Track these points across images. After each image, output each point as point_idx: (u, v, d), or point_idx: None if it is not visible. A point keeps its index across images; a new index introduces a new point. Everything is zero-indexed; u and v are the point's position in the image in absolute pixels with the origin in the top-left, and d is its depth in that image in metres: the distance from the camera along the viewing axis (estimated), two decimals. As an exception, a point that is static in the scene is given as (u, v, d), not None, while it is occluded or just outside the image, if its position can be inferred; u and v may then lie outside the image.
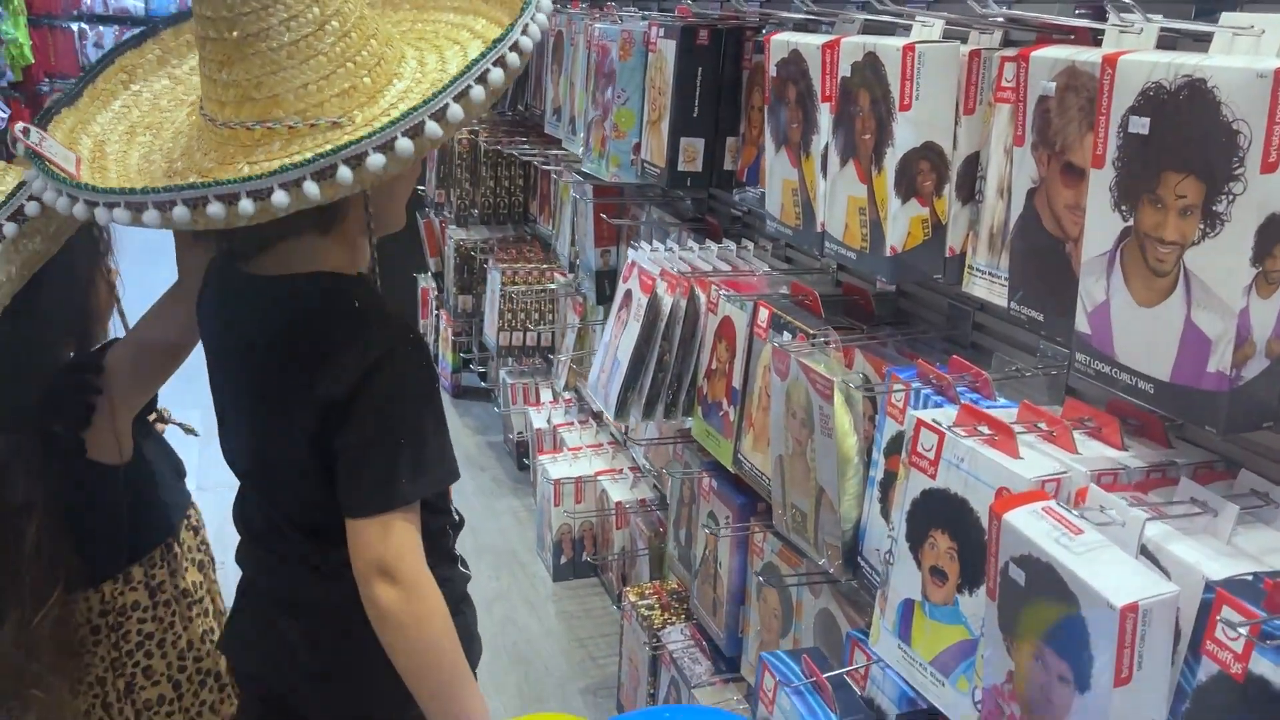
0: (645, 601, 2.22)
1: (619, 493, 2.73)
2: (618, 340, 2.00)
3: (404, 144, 0.99)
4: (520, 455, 3.59)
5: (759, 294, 1.80)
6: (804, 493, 1.52)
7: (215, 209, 0.98)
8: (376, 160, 0.99)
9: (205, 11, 1.02)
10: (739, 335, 1.77)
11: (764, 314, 1.69)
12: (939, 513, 1.15)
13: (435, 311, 4.48)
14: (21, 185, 1.18)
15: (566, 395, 3.27)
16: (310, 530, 1.21)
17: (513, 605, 2.80)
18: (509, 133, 3.64)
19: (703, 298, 1.89)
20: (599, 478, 2.83)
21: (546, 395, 3.47)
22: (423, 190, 4.34)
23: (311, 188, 0.98)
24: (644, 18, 2.23)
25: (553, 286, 3.34)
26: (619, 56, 2.17)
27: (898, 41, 1.33)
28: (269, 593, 1.29)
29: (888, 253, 1.36)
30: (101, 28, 11.65)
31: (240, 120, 1.05)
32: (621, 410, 1.96)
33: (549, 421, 3.23)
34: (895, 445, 1.34)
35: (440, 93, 1.01)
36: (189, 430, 1.57)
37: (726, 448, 1.81)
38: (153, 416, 1.48)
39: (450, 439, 1.19)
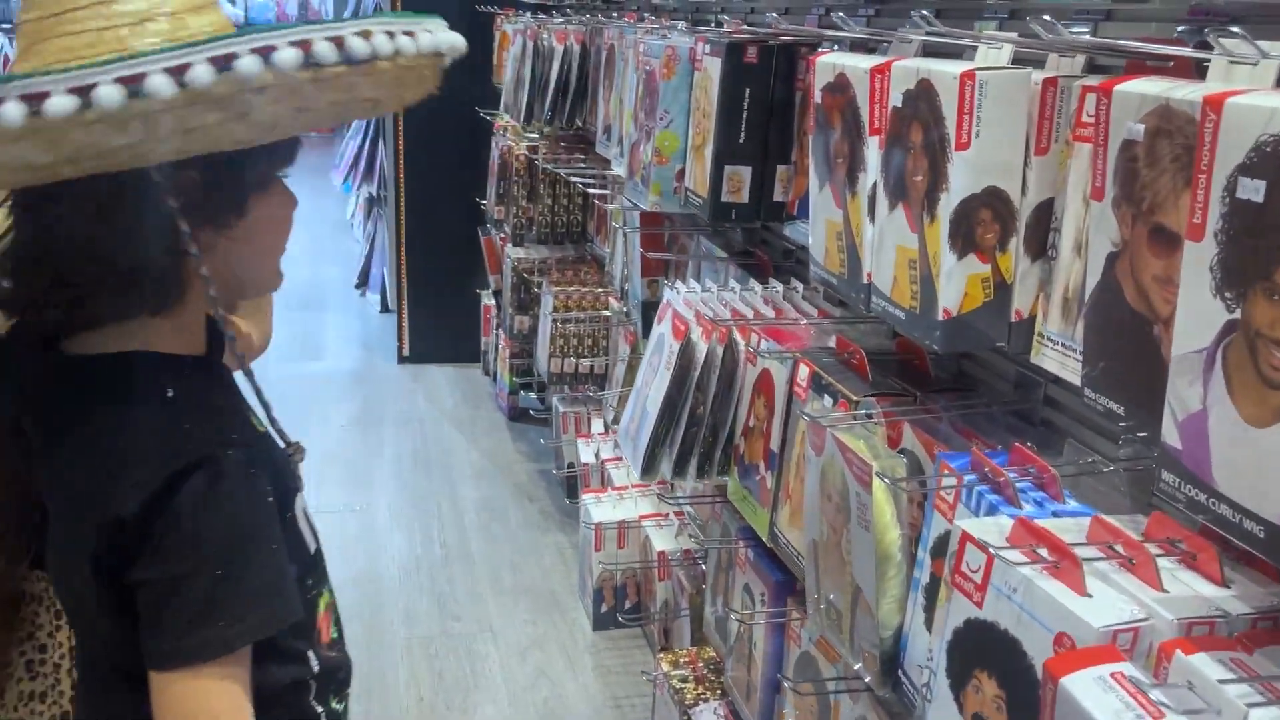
0: (679, 672, 2.03)
1: (662, 541, 2.54)
2: (649, 389, 1.82)
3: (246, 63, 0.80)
4: (570, 487, 3.42)
5: (802, 347, 1.60)
6: (839, 587, 1.31)
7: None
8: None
9: None
10: (778, 392, 1.57)
11: (804, 372, 1.49)
12: (985, 651, 0.94)
13: (495, 330, 4.35)
14: None
15: (615, 427, 3.09)
16: (129, 676, 0.93)
17: (549, 655, 2.63)
18: (567, 149, 3.49)
19: (742, 346, 1.69)
20: (643, 523, 2.64)
21: (598, 426, 3.30)
22: (483, 205, 4.23)
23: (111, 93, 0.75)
24: (694, 32, 2.04)
25: (607, 313, 3.17)
26: (662, 75, 1.99)
27: (956, 67, 1.11)
28: None
29: (940, 315, 1.15)
30: (203, 36, 11.96)
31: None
32: (651, 466, 1.77)
33: (597, 456, 3.05)
34: (942, 547, 1.13)
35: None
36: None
37: (762, 518, 1.61)
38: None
39: (288, 568, 0.94)
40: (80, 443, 0.93)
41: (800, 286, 1.83)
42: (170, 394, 0.93)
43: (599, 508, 2.75)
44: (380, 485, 3.54)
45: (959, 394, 1.38)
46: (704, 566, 2.45)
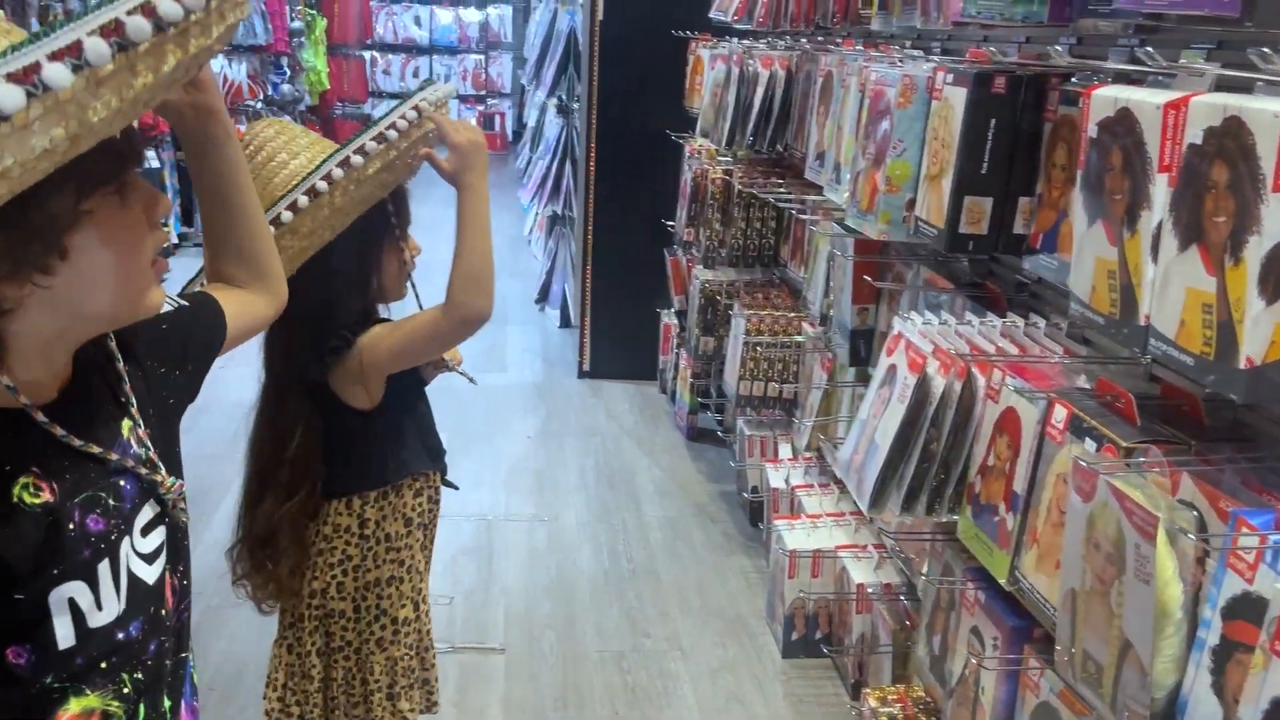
0: (888, 709, 1.99)
1: (861, 573, 2.50)
2: (877, 420, 1.80)
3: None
4: (754, 511, 3.41)
5: (1051, 386, 1.55)
6: (1103, 640, 1.26)
7: None
8: None
9: None
10: (1025, 433, 1.52)
11: (1061, 413, 1.44)
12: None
13: (675, 350, 4.39)
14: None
15: (807, 454, 3.07)
16: None
17: (739, 679, 2.62)
18: (765, 173, 3.49)
19: (981, 382, 1.65)
20: (839, 553, 2.61)
21: (785, 451, 3.28)
22: (671, 227, 4.28)
23: None
24: (929, 60, 2.01)
25: (800, 339, 3.16)
26: (897, 103, 1.97)
27: (1273, 104, 1.06)
28: None
29: (1242, 364, 1.09)
30: (390, 55, 12.57)
31: None
32: (878, 501, 1.74)
33: (787, 482, 3.04)
34: (1241, 609, 1.07)
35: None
36: (470, 379, 1.87)
37: (1001, 560, 1.56)
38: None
39: None
40: None
41: (1041, 322, 1.78)
42: None
43: (792, 535, 2.73)
44: (566, 497, 3.61)
45: (1242, 444, 1.30)
46: (905, 601, 2.40)
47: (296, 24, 8.52)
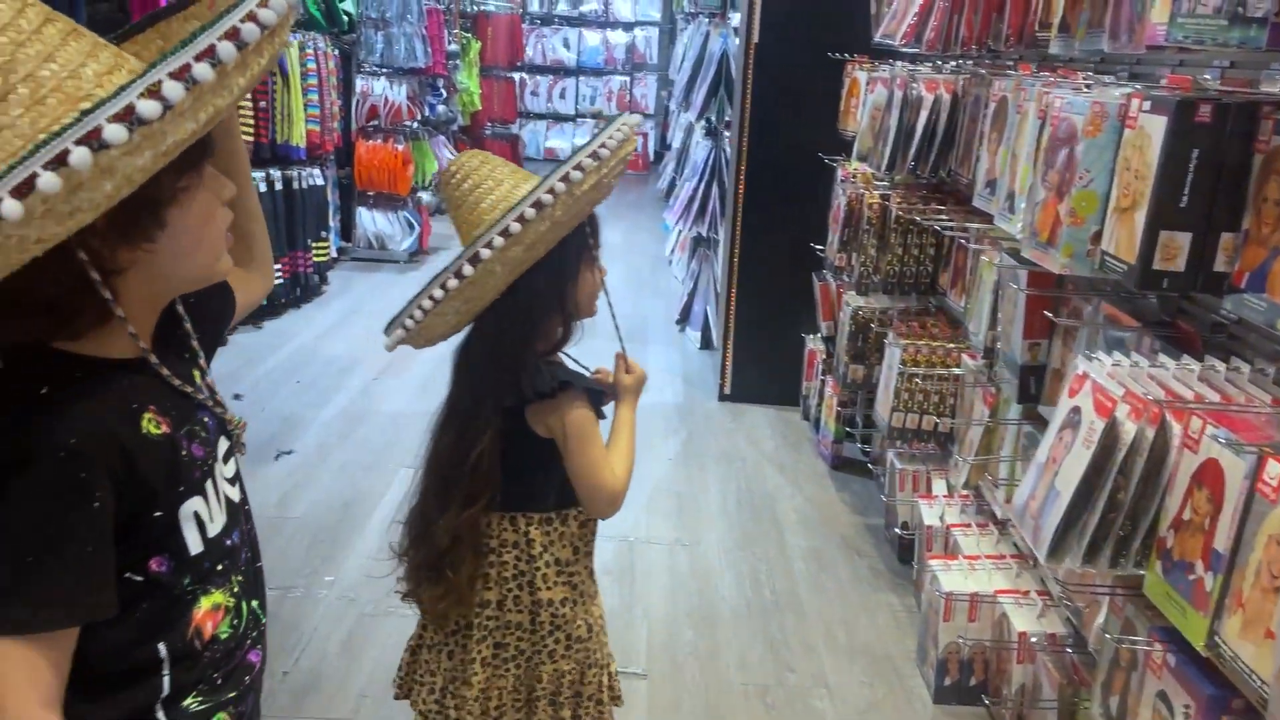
0: (1055, 770, 1.87)
1: (1023, 621, 2.38)
2: (1058, 465, 1.70)
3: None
4: (903, 547, 3.31)
5: (1262, 438, 1.43)
6: (1328, 722, 1.15)
7: None
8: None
9: None
10: (1230, 487, 1.41)
11: (1276, 469, 1.33)
12: None
13: (821, 376, 4.32)
14: None
15: (964, 492, 2.96)
16: None
17: (886, 721, 2.54)
18: (924, 199, 3.40)
19: (1177, 430, 1.54)
20: (999, 598, 2.49)
21: (940, 487, 3.17)
22: (821, 251, 4.21)
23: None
24: (1121, 86, 1.91)
25: (959, 371, 3.04)
26: (1085, 131, 1.87)
27: None
28: None
29: None
30: (538, 77, 12.88)
31: None
32: (1057, 550, 1.65)
33: (941, 519, 2.93)
34: None
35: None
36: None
37: (1197, 623, 1.45)
38: None
39: (92, 573, 0.99)
40: None
41: (1244, 367, 1.66)
42: (44, 391, 1.01)
43: (948, 576, 2.63)
44: (707, 522, 3.58)
45: None
46: (1072, 654, 2.27)
47: (453, 47, 8.80)
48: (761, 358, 4.76)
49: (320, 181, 6.18)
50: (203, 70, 0.90)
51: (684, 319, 5.98)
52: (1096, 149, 1.86)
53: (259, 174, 5.51)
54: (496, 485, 1.66)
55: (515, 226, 1.49)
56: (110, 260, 1.01)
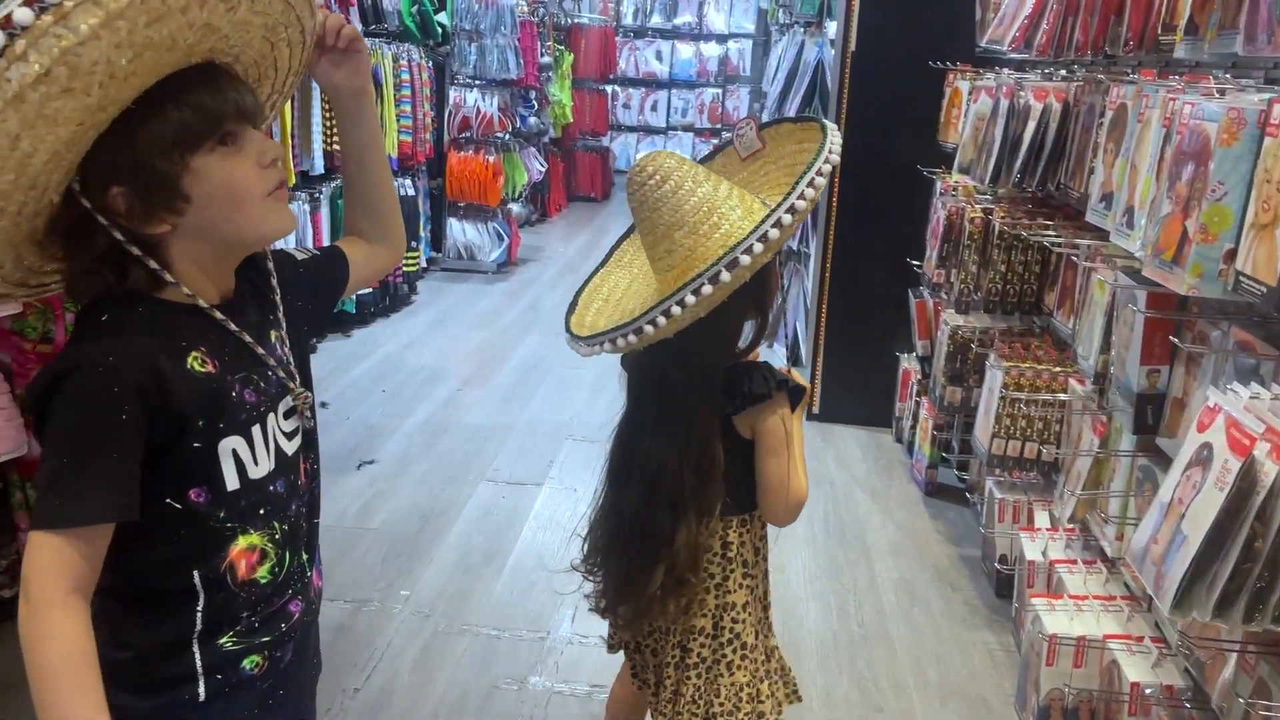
0: (1174, 842, 1.70)
1: (1136, 670, 2.20)
2: (1184, 507, 1.54)
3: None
4: (1000, 582, 3.12)
5: None
6: None
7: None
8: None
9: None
10: (1393, 541, 1.24)
11: None
12: None
13: (916, 397, 4.14)
14: None
15: (1070, 526, 2.77)
16: None
17: (980, 771, 2.37)
18: (1030, 214, 3.22)
19: (1326, 472, 1.37)
20: (1109, 643, 2.31)
21: (1042, 519, 2.97)
22: (918, 267, 4.05)
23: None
24: (1263, 91, 1.74)
25: (1065, 397, 2.86)
26: (1220, 140, 1.71)
27: None
28: None
29: None
30: (630, 89, 12.88)
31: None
32: (1183, 601, 1.49)
33: (1044, 554, 2.74)
34: None
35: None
36: None
37: (1350, 693, 1.28)
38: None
39: (119, 478, 1.09)
40: None
41: (1404, 404, 1.47)
42: (105, 318, 1.14)
43: (1052, 617, 2.44)
44: (793, 547, 3.45)
45: None
46: (1191, 709, 2.08)
47: (545, 59, 8.84)
48: (853, 376, 4.60)
49: (411, 192, 6.23)
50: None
51: (771, 334, 5.83)
52: (1231, 159, 1.69)
53: (352, 184, 5.57)
54: (722, 492, 1.65)
55: (757, 247, 1.43)
56: (142, 234, 1.13)
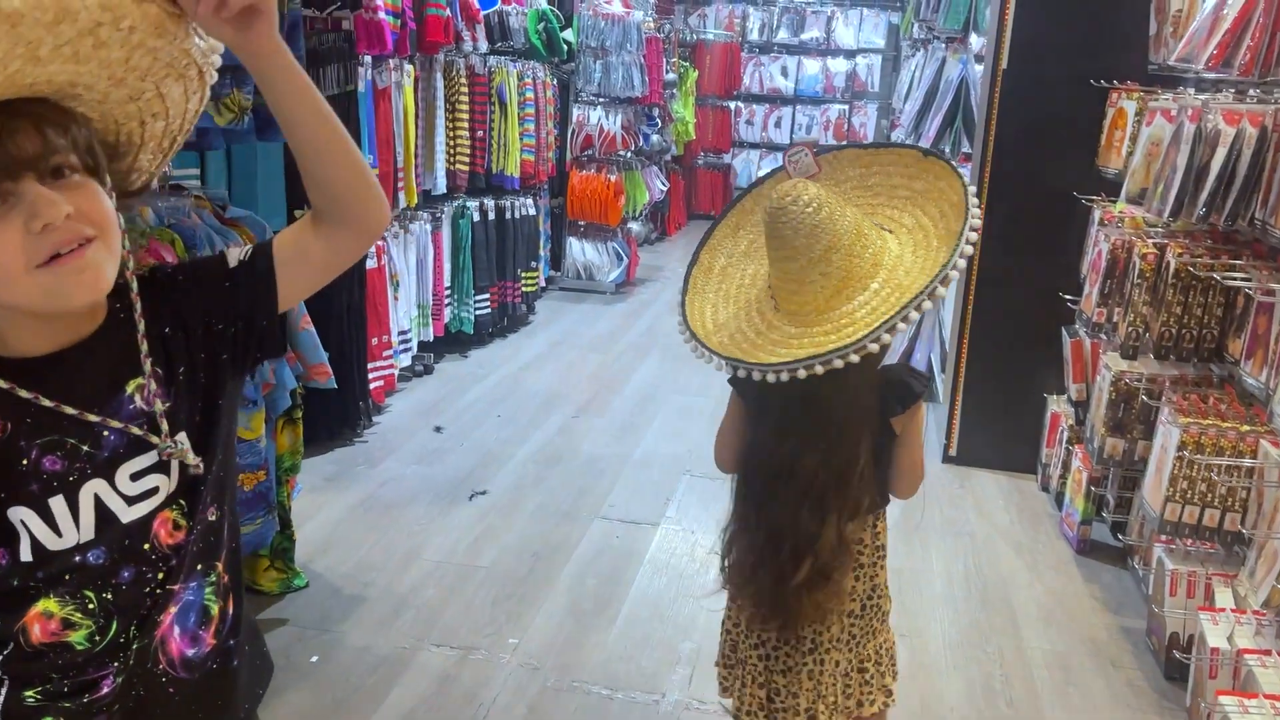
0: None
1: (1358, 799, 1.87)
2: None
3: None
4: (1170, 663, 2.78)
5: None
6: None
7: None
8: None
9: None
10: None
11: None
12: None
13: (1067, 445, 3.80)
14: None
15: (1261, 610, 2.42)
16: None
17: None
18: (1212, 250, 2.88)
19: None
20: (1319, 760, 1.98)
21: (1224, 598, 2.63)
22: (1074, 303, 3.71)
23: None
24: None
25: (1255, 462, 2.52)
26: None
27: None
28: None
29: None
30: (754, 105, 12.65)
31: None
32: None
33: (1230, 641, 2.41)
34: None
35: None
36: None
37: None
38: None
39: None
40: None
41: None
42: None
43: (1246, 720, 2.12)
44: (931, 608, 3.16)
45: None
46: None
47: (670, 76, 8.70)
48: (995, 417, 4.27)
49: (533, 211, 6.15)
50: None
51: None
52: None
53: (474, 203, 5.51)
54: (868, 491, 1.77)
55: (940, 290, 1.57)
56: None
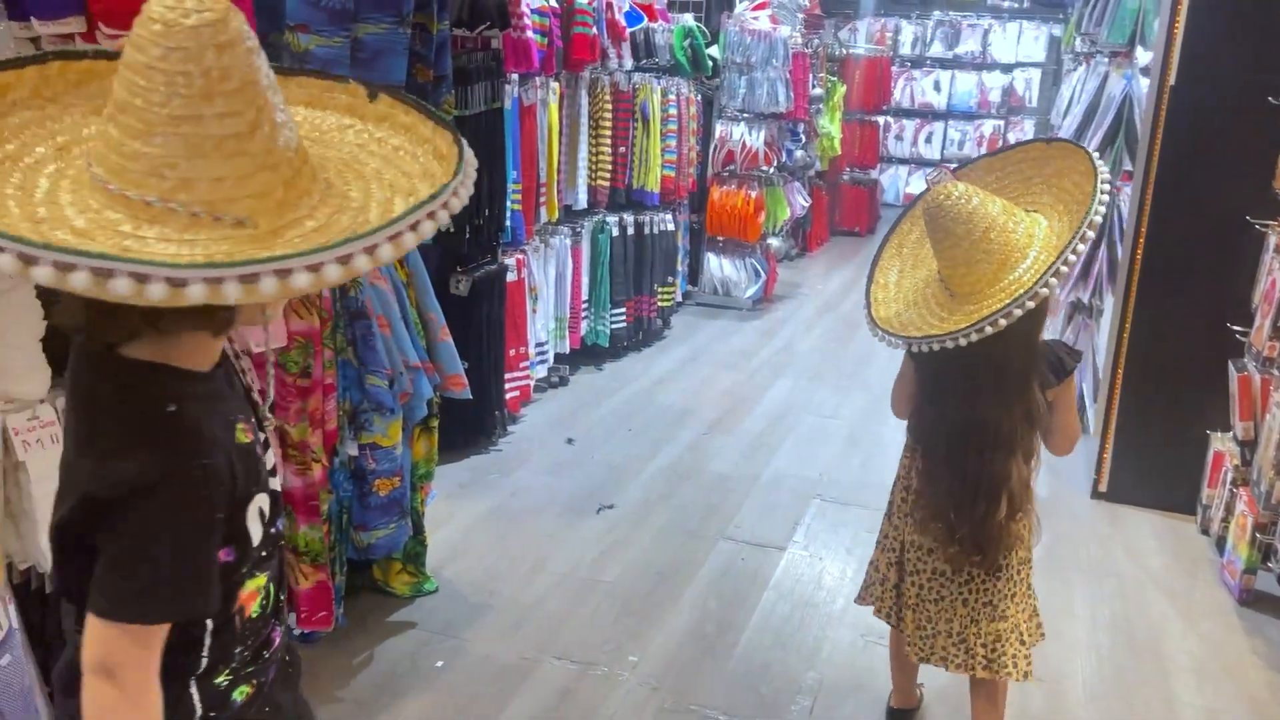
0: None
1: None
2: None
3: (303, 278, 0.96)
4: (1344, 732, 2.54)
5: None
6: None
7: (121, 284, 0.91)
8: (269, 283, 0.94)
9: (139, 80, 0.99)
10: None
11: None
12: None
13: (1231, 486, 3.54)
14: None
15: None
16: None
17: None
18: (1404, 282, 2.63)
19: None
20: None
21: None
22: (1243, 335, 3.46)
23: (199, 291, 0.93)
24: None
25: None
26: None
27: None
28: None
29: None
30: (904, 120, 12.37)
31: (140, 193, 1.00)
32: None
33: None
34: None
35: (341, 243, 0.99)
36: None
37: None
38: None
39: (211, 573, 1.14)
40: (91, 431, 1.13)
41: None
42: (171, 409, 1.11)
43: None
44: (1071, 654, 2.99)
45: None
46: None
47: (817, 91, 8.59)
48: (1150, 452, 4.02)
49: (671, 227, 6.16)
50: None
51: (1052, 394, 5.27)
52: None
53: (613, 218, 5.57)
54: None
55: (1088, 234, 1.89)
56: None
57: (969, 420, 2.05)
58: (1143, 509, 4.01)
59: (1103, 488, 4.11)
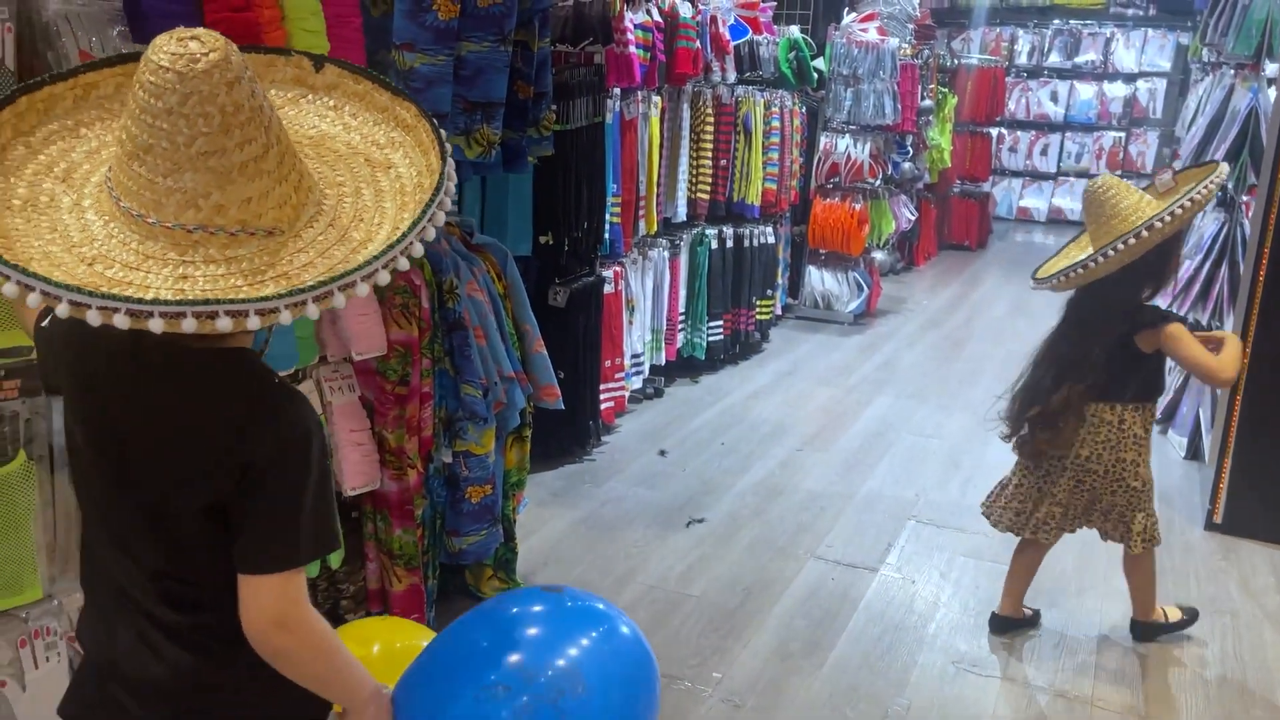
0: None
1: None
2: None
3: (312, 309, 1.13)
4: None
5: None
6: None
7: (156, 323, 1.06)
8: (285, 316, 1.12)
9: (161, 124, 1.10)
10: None
11: None
12: None
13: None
14: None
15: None
16: (175, 597, 1.29)
17: None
18: None
19: None
20: None
21: None
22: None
23: (254, 320, 1.09)
24: None
25: None
26: None
27: None
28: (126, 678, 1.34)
29: None
30: (1019, 132, 12.05)
31: (180, 223, 1.13)
32: None
33: None
34: None
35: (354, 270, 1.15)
36: None
37: None
38: None
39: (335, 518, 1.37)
40: (214, 415, 1.24)
41: None
42: (277, 380, 1.28)
43: None
44: (1176, 694, 2.86)
45: None
46: None
47: (926, 103, 8.44)
48: (1271, 482, 3.82)
49: (771, 240, 6.13)
50: None
51: (1167, 418, 5.05)
52: None
53: (713, 231, 5.57)
54: (1100, 375, 2.76)
55: (1157, 224, 2.58)
56: None
57: (1060, 347, 2.83)
58: (1261, 543, 3.81)
59: (1218, 519, 3.91)
